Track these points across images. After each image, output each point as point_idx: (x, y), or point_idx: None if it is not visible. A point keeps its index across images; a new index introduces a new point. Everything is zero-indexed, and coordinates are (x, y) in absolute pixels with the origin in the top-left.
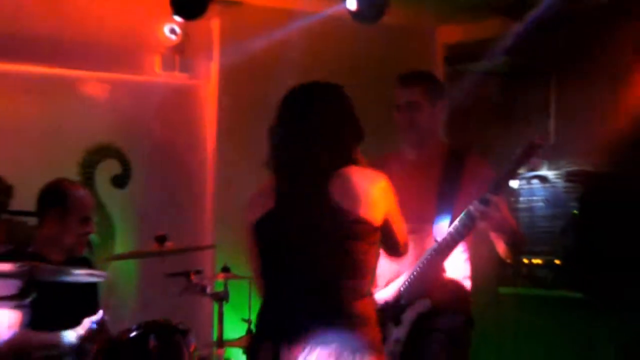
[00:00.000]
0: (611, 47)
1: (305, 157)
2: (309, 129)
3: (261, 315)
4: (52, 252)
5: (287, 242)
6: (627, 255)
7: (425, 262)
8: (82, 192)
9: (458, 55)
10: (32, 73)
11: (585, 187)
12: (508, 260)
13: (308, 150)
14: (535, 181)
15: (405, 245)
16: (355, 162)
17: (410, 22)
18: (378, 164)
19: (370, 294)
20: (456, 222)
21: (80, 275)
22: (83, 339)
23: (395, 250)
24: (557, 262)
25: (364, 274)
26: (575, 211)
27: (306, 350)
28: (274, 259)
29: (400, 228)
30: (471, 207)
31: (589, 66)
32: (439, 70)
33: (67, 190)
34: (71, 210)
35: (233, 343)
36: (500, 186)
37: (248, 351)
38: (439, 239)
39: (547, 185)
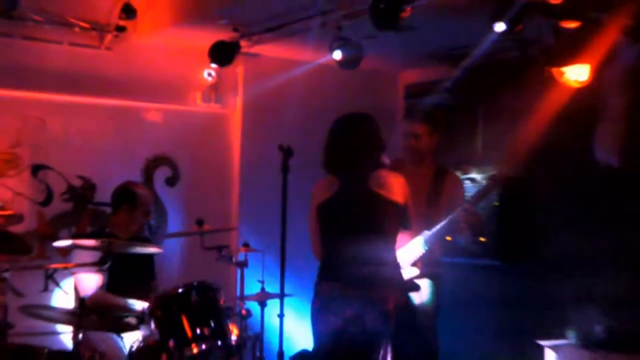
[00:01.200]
0: (523, 86)
1: (354, 162)
2: (356, 144)
3: (325, 266)
4: (121, 232)
5: (345, 218)
6: (533, 234)
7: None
8: (145, 192)
9: (414, 93)
10: (111, 104)
11: (503, 186)
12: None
13: (357, 157)
14: (467, 182)
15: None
16: (382, 166)
17: (380, 68)
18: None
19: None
20: (443, 223)
21: (143, 249)
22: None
23: (409, 226)
24: (482, 239)
25: (394, 239)
26: (496, 203)
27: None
28: (335, 229)
29: (413, 211)
30: (456, 213)
31: (507, 101)
32: (400, 104)
33: (134, 190)
34: (137, 206)
35: (251, 297)
36: (476, 201)
37: (316, 288)
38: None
39: (476, 184)
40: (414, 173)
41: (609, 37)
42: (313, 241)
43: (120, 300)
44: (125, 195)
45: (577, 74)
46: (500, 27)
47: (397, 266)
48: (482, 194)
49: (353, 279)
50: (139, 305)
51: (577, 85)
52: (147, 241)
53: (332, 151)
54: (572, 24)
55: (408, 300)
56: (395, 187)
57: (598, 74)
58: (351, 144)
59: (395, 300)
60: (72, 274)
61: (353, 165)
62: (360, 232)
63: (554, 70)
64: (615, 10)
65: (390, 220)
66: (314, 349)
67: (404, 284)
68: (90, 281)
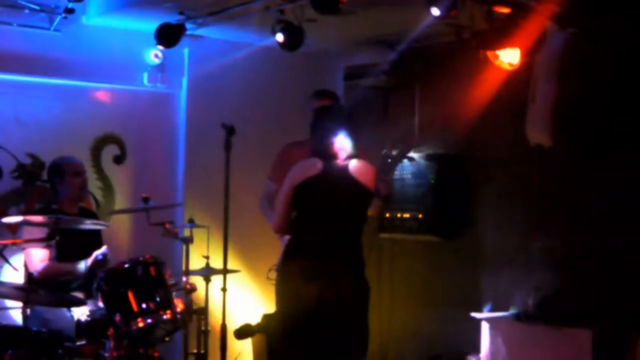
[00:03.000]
0: (457, 69)
1: (339, 150)
2: (342, 135)
3: (299, 243)
4: (69, 207)
5: (326, 199)
6: (468, 211)
7: None
8: (70, 159)
9: (353, 74)
10: (60, 85)
11: (439, 164)
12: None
13: (340, 146)
14: (405, 161)
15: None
16: (357, 155)
17: (321, 50)
18: (287, 149)
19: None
20: None
21: (89, 224)
22: (91, 267)
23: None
24: (420, 216)
25: (364, 222)
26: (432, 181)
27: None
28: (315, 210)
29: None
30: None
31: (442, 82)
32: (340, 85)
33: (60, 162)
34: (65, 172)
35: (195, 272)
36: (389, 170)
37: (283, 266)
38: None
39: (413, 163)
40: None
41: (538, 23)
42: (280, 217)
43: (68, 266)
44: (54, 169)
45: (509, 57)
46: (435, 12)
47: (361, 249)
48: (394, 164)
49: (329, 256)
50: (83, 265)
51: (509, 68)
52: (94, 216)
53: (322, 140)
54: (503, 10)
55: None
56: (369, 175)
57: (529, 58)
58: (339, 134)
59: (357, 281)
60: (22, 249)
61: (338, 153)
62: (339, 215)
63: (489, 53)
64: None
65: (363, 206)
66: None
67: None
68: (39, 255)
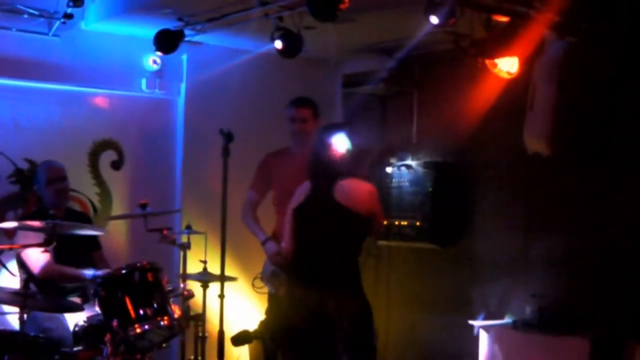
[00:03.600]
0: (455, 77)
1: (321, 173)
2: (322, 157)
3: (294, 265)
4: (56, 211)
5: (310, 225)
6: (465, 218)
7: None
8: (49, 164)
9: (351, 82)
10: (59, 90)
11: (437, 172)
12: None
13: (323, 169)
14: (403, 168)
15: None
16: (351, 175)
17: (320, 58)
18: (265, 159)
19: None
20: None
21: (87, 230)
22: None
23: (374, 233)
24: (417, 223)
25: (351, 247)
26: (430, 189)
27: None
28: (303, 234)
29: (380, 216)
30: None
31: (439, 89)
32: (338, 92)
33: (41, 167)
34: (44, 177)
35: (192, 277)
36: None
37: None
38: None
39: (411, 170)
40: (299, 155)
41: (537, 31)
42: (287, 243)
43: (75, 271)
44: (34, 175)
45: (507, 65)
46: (434, 20)
47: (350, 272)
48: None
49: (312, 281)
50: (89, 272)
51: (507, 77)
52: (86, 219)
53: (310, 162)
54: (502, 18)
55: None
56: (359, 197)
57: (527, 66)
58: (318, 156)
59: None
60: (18, 254)
61: (320, 176)
62: (320, 241)
63: (487, 61)
64: (542, 7)
65: (348, 230)
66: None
67: (354, 290)
68: (37, 254)
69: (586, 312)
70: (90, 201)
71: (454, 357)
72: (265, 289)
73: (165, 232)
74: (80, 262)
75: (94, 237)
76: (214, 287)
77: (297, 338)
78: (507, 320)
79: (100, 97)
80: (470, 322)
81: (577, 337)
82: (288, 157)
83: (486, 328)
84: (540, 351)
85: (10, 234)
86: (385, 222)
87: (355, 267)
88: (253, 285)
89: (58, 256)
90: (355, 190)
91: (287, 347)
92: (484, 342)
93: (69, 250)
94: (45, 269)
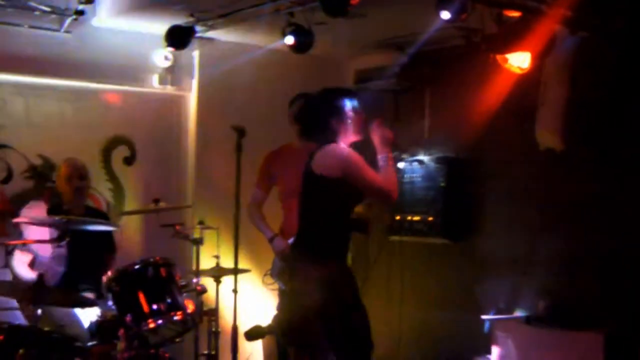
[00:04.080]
0: (467, 72)
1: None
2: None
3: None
4: (75, 208)
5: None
6: (478, 213)
7: None
8: (69, 162)
9: (363, 77)
10: (71, 86)
11: (449, 167)
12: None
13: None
14: (415, 163)
15: (380, 190)
16: (329, 141)
17: (331, 53)
18: (268, 156)
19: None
20: None
21: (99, 225)
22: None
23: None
24: (429, 219)
25: (325, 215)
26: (442, 184)
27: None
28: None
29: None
30: None
31: (451, 85)
32: (351, 87)
33: (62, 164)
34: (60, 176)
35: (205, 273)
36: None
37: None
38: None
39: (423, 166)
40: (303, 150)
41: (548, 26)
42: None
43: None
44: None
45: (519, 61)
46: (445, 15)
47: (321, 243)
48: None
49: (295, 256)
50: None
51: (519, 72)
52: (105, 217)
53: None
54: (514, 13)
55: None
56: (327, 162)
57: (539, 62)
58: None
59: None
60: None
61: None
62: (301, 214)
63: (498, 57)
64: (554, 2)
65: (320, 197)
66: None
67: (321, 260)
68: (21, 258)
69: (600, 307)
70: (104, 197)
71: (466, 352)
72: (276, 285)
73: (178, 227)
74: (92, 263)
75: (110, 240)
76: (227, 282)
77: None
78: (520, 315)
79: (112, 93)
80: (483, 317)
81: (591, 333)
82: (292, 152)
83: (499, 323)
84: (554, 346)
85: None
86: (397, 217)
87: (328, 237)
88: (263, 282)
89: (72, 258)
90: (325, 156)
91: (291, 342)
92: (496, 337)
93: (83, 249)
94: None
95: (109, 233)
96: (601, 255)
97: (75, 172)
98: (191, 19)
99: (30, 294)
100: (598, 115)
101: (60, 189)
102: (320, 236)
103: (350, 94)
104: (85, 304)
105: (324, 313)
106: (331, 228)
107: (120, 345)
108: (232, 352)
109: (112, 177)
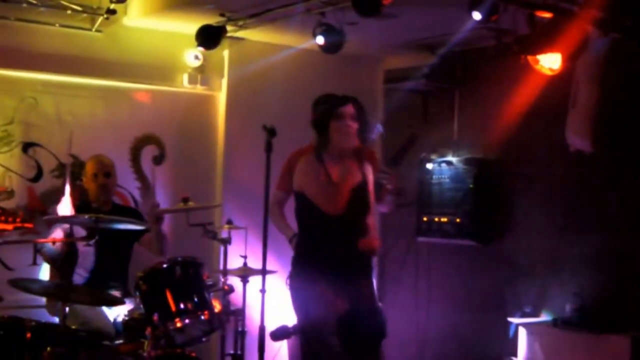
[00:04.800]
0: (497, 74)
1: None
2: None
3: None
4: (102, 205)
5: None
6: (506, 215)
7: None
8: (96, 158)
9: (393, 78)
10: (101, 85)
11: (478, 168)
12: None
13: None
14: (443, 164)
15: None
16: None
17: (361, 53)
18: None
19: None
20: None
21: (129, 224)
22: None
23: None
24: (457, 220)
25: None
26: (471, 185)
27: None
28: None
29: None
30: (377, 176)
31: (481, 86)
32: (380, 88)
33: (88, 160)
34: (86, 173)
35: (233, 272)
36: (395, 163)
37: None
38: None
39: (451, 167)
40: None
41: (580, 28)
42: None
43: None
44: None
45: (550, 62)
46: (476, 16)
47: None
48: (399, 153)
49: None
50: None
51: (550, 73)
52: (134, 214)
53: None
54: (545, 15)
55: None
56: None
57: (570, 63)
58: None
59: None
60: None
61: None
62: None
63: (530, 58)
64: (586, 3)
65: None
66: None
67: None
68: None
69: (628, 310)
70: (132, 195)
71: (493, 354)
72: None
73: (206, 226)
74: (120, 262)
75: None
76: (253, 282)
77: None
78: (546, 318)
79: (142, 92)
80: (510, 319)
81: (618, 336)
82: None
83: (526, 326)
84: (581, 349)
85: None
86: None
87: (299, 241)
88: (286, 283)
89: (99, 252)
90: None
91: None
92: (523, 339)
93: (111, 247)
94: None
95: (136, 236)
96: (629, 257)
97: (101, 169)
98: (222, 19)
99: (58, 292)
100: (628, 117)
101: (87, 186)
102: (298, 240)
103: (327, 100)
104: (113, 302)
105: None
106: (300, 232)
107: (147, 344)
108: (259, 352)
109: (141, 176)
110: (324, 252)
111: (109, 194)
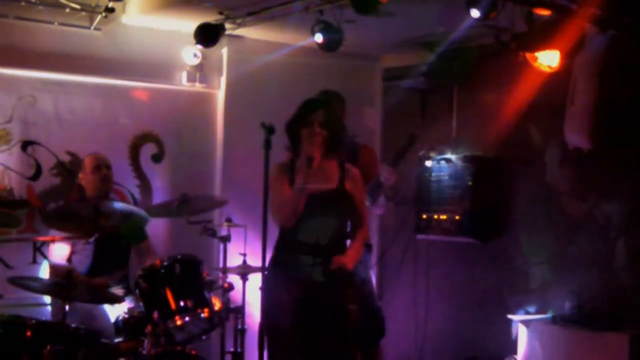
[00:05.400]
0: (495, 71)
1: None
2: None
3: None
4: (103, 197)
5: None
6: (505, 213)
7: None
8: (90, 157)
9: (392, 76)
10: (100, 83)
11: (476, 166)
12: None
13: None
14: (442, 162)
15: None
16: None
17: (360, 51)
18: None
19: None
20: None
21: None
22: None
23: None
24: (457, 217)
25: None
26: (469, 183)
27: None
28: None
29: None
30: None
31: (479, 84)
32: (378, 86)
33: (85, 157)
34: (85, 169)
35: (233, 270)
36: (395, 163)
37: None
38: None
39: (450, 164)
40: None
41: (578, 25)
42: None
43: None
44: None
45: (548, 59)
46: (475, 13)
47: None
48: (399, 154)
49: None
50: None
51: (548, 71)
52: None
53: None
54: (544, 12)
55: None
56: None
57: (569, 60)
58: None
59: None
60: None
61: None
62: None
63: (528, 55)
64: (584, 0)
65: None
66: None
67: None
68: (61, 250)
69: (626, 308)
70: (131, 194)
71: (493, 351)
72: None
73: (206, 225)
74: (118, 259)
75: (140, 230)
76: (253, 280)
77: None
78: (546, 315)
79: (141, 91)
80: (509, 316)
81: (617, 333)
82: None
83: (526, 323)
84: (580, 347)
85: None
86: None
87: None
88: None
89: (98, 250)
90: None
91: None
92: (523, 336)
93: (109, 244)
94: (60, 268)
95: (137, 225)
96: (628, 256)
97: (102, 162)
98: (220, 17)
99: (59, 290)
100: (627, 115)
101: (85, 182)
102: None
103: (301, 105)
104: (113, 300)
105: None
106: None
107: (147, 341)
108: (258, 349)
109: (140, 174)
110: (283, 263)
111: (110, 184)
